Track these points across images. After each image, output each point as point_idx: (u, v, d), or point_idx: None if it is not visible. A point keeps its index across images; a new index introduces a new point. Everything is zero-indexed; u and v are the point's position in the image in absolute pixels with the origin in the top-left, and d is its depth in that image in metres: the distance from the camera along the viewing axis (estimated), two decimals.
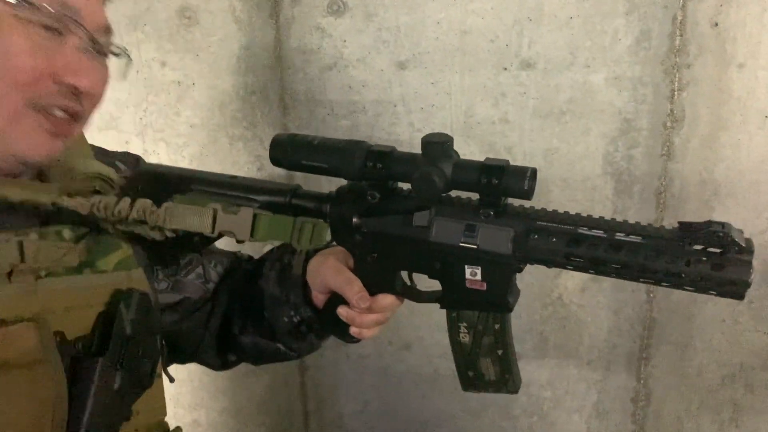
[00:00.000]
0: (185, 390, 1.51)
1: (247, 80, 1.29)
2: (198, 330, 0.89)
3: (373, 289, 0.80)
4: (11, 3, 0.61)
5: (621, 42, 1.13)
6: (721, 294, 0.65)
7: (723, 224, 0.64)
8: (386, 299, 0.80)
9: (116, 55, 0.72)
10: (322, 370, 1.46)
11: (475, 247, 0.72)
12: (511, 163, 0.70)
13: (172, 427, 0.79)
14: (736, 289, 0.64)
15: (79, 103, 0.67)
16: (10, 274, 0.62)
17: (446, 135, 0.72)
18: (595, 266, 0.68)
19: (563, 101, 1.17)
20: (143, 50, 1.28)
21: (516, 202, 0.73)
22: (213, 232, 0.69)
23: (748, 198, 1.15)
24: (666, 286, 0.66)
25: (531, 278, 1.28)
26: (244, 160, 1.32)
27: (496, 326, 0.75)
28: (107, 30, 0.70)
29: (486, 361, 0.77)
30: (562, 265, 0.70)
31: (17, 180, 0.65)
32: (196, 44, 1.27)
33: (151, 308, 0.72)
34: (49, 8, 0.63)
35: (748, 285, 0.63)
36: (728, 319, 1.21)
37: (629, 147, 1.17)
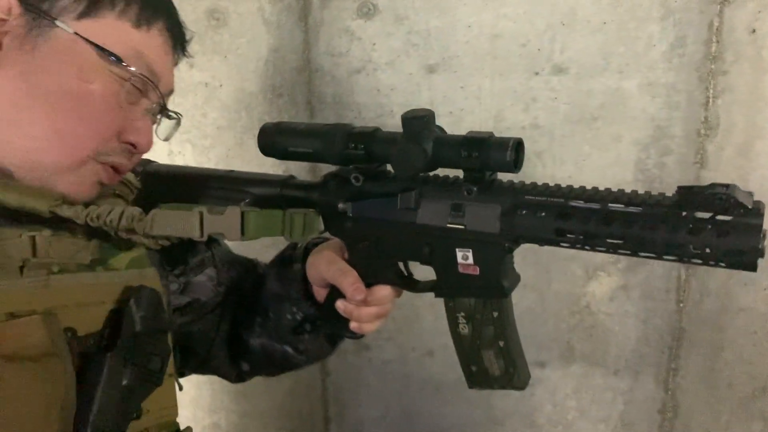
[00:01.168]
0: (205, 393, 1.51)
1: (274, 83, 1.29)
2: (208, 333, 0.88)
3: (368, 280, 0.77)
4: (108, 59, 0.65)
5: (655, 48, 1.11)
6: (732, 265, 0.58)
7: (727, 185, 0.58)
8: (382, 290, 0.78)
9: (171, 118, 0.76)
10: (343, 375, 1.45)
11: (462, 227, 0.69)
12: (541, 169, 0.68)
13: (183, 426, 0.78)
14: (745, 259, 0.57)
15: (130, 160, 0.71)
16: (22, 268, 0.62)
17: (427, 110, 0.69)
18: (589, 241, 0.63)
19: (595, 107, 1.16)
20: None
21: (506, 177, 0.69)
22: (202, 235, 0.67)
23: None
24: (671, 260, 0.61)
25: (558, 286, 1.26)
26: (270, 162, 1.31)
27: (495, 314, 0.72)
28: (171, 93, 0.74)
29: (488, 354, 0.73)
30: (554, 242, 0.65)
31: (16, 185, 0.64)
32: (224, 46, 1.27)
33: (161, 305, 0.72)
34: (139, 71, 0.67)
35: (759, 252, 0.57)
36: (760, 330, 1.19)
37: (662, 154, 1.16)
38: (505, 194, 0.68)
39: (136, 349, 0.68)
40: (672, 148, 1.15)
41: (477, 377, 0.75)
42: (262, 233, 0.70)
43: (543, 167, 1.19)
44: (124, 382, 0.67)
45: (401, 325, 1.37)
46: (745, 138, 1.12)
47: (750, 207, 0.57)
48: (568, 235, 0.64)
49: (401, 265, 0.78)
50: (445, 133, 0.72)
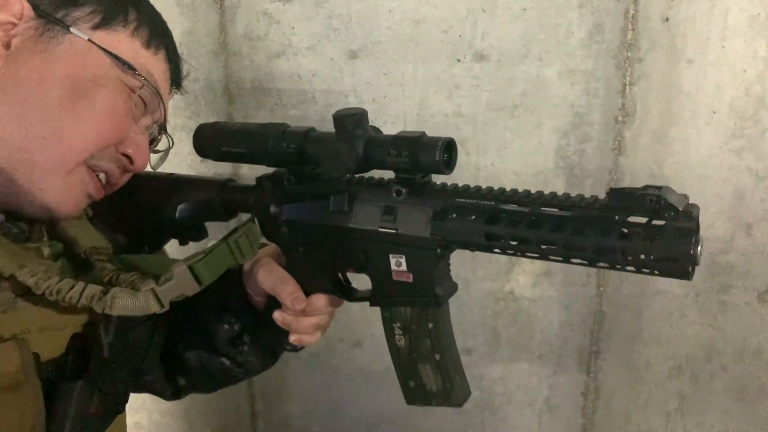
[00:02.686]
0: None
1: (189, 68, 1.23)
2: (141, 344, 0.83)
3: (306, 289, 0.74)
4: (121, 67, 0.65)
5: (574, 35, 1.12)
6: (665, 273, 0.54)
7: (660, 187, 0.54)
8: (319, 300, 0.75)
9: (157, 151, 0.76)
10: (270, 370, 1.41)
11: (394, 231, 0.66)
12: (465, 156, 0.66)
13: None
14: (677, 267, 0.53)
15: (120, 175, 0.70)
16: None
17: (359, 109, 0.66)
18: (520, 247, 0.60)
19: (516, 94, 1.16)
20: None
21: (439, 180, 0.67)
22: (163, 307, 0.65)
23: (696, 193, 1.15)
24: (604, 267, 0.58)
25: (483, 273, 1.26)
26: (187, 151, 1.26)
27: (430, 326, 0.69)
28: (166, 124, 0.75)
29: (425, 369, 0.70)
30: (486, 248, 0.62)
31: None
32: None
33: (128, 332, 0.71)
34: (151, 85, 0.68)
35: (690, 259, 0.52)
36: (676, 312, 1.23)
37: (581, 141, 1.17)
38: (435, 197, 0.65)
39: (104, 377, 0.67)
40: (591, 135, 1.17)
41: (415, 393, 0.72)
42: (218, 273, 0.68)
43: (467, 155, 1.19)
44: (92, 411, 0.65)
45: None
46: (661, 125, 1.14)
47: (680, 209, 0.53)
48: (498, 241, 0.61)
49: (340, 272, 0.75)
50: (380, 132, 0.69)
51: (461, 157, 1.18)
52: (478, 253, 1.24)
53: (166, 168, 0.81)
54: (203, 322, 0.83)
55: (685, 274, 0.53)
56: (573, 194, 0.61)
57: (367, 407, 1.41)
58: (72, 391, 0.64)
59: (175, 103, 1.25)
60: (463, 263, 1.25)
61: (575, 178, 1.19)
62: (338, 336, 1.36)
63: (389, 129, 1.27)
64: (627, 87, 1.14)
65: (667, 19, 1.09)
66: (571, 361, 1.30)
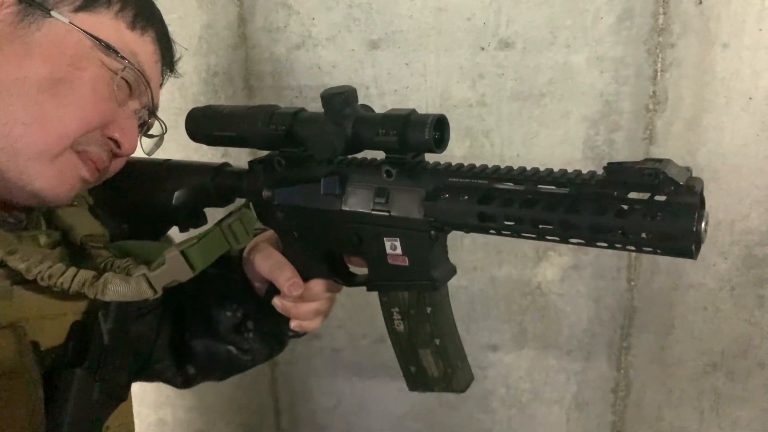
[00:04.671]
0: (149, 388, 1.44)
1: (209, 61, 1.22)
2: (148, 335, 0.83)
3: (304, 274, 0.72)
4: (102, 48, 0.63)
5: (603, 21, 1.08)
6: (666, 252, 0.51)
7: (660, 160, 0.51)
8: (317, 285, 0.74)
9: (152, 136, 0.75)
10: (293, 366, 1.40)
11: (387, 214, 0.64)
12: (490, 147, 0.63)
13: None
14: (679, 244, 0.49)
15: (110, 160, 0.68)
16: None
17: (347, 87, 0.63)
18: (514, 227, 0.57)
19: (543, 83, 1.12)
20: None
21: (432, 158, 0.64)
22: (156, 293, 0.64)
23: (730, 182, 1.11)
24: (603, 247, 0.54)
25: (509, 267, 1.23)
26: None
27: (428, 310, 0.67)
28: (157, 109, 0.74)
29: (426, 354, 0.68)
30: (481, 229, 0.59)
31: None
32: None
33: (127, 318, 0.70)
34: (134, 67, 0.66)
35: (693, 236, 0.49)
36: (710, 306, 1.19)
37: (610, 131, 1.13)
38: (427, 177, 0.62)
39: (105, 364, 0.66)
40: (621, 124, 1.13)
41: (417, 379, 0.70)
42: (211, 259, 0.67)
43: (491, 146, 1.16)
44: (93, 399, 0.65)
45: (351, 312, 1.33)
46: (693, 112, 1.10)
47: (681, 183, 0.49)
48: (492, 221, 0.58)
49: (336, 257, 0.73)
50: (371, 111, 0.66)
51: (486, 148, 1.15)
52: (503, 247, 1.22)
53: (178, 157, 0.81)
54: (206, 310, 0.83)
55: (689, 253, 0.50)
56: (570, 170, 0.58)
57: (392, 404, 1.39)
58: (72, 379, 0.63)
59: (194, 98, 1.24)
60: (488, 256, 1.22)
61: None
62: (362, 332, 1.35)
63: None
64: (658, 73, 1.09)
65: (701, 2, 1.04)
66: (600, 357, 1.26)
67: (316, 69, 1.18)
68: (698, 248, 0.51)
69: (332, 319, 1.36)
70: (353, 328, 1.35)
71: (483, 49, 1.12)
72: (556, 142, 1.15)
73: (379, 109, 1.16)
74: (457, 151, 1.16)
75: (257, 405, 1.45)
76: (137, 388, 1.50)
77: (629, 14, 1.07)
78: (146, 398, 1.46)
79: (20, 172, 0.61)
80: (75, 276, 0.62)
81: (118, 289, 0.62)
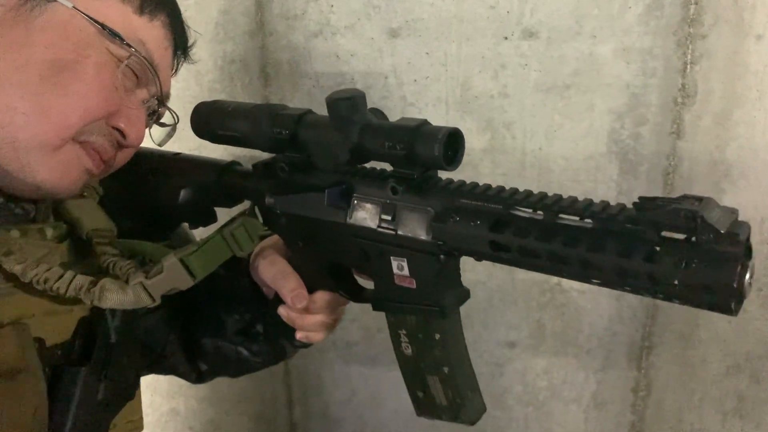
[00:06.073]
0: (162, 378, 1.43)
1: (225, 48, 1.20)
2: (160, 329, 0.81)
3: (309, 285, 0.69)
4: (106, 35, 0.61)
5: (631, 10, 1.04)
6: (700, 305, 0.45)
7: (701, 199, 0.45)
8: (322, 297, 0.70)
9: (164, 125, 0.72)
10: (307, 358, 1.39)
11: (393, 232, 0.59)
12: (511, 140, 0.59)
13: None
14: (717, 299, 0.43)
15: (115, 151, 0.65)
16: None
17: (355, 90, 0.59)
18: (527, 259, 0.52)
19: (567, 74, 1.09)
20: None
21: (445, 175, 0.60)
22: (154, 301, 0.62)
23: (761, 179, 1.08)
24: (628, 291, 0.48)
25: None
26: None
27: (437, 336, 0.62)
28: (168, 97, 0.71)
29: (433, 380, 0.63)
30: (492, 258, 0.54)
31: None
32: None
33: (136, 315, 0.68)
34: (141, 55, 0.63)
35: (733, 292, 0.43)
36: None
37: (637, 124, 1.10)
38: (437, 196, 0.57)
39: (112, 363, 0.65)
40: (648, 118, 1.09)
41: (424, 405, 0.66)
42: (212, 267, 0.65)
43: (513, 139, 1.12)
44: (99, 398, 0.63)
45: (366, 305, 1.30)
46: (724, 106, 1.06)
47: (721, 231, 0.43)
48: (505, 252, 0.53)
49: (343, 270, 0.70)
50: (381, 117, 0.62)
51: (507, 141, 1.12)
52: None
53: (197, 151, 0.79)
54: (215, 312, 0.81)
55: (727, 309, 0.44)
56: (599, 200, 0.52)
57: (405, 399, 1.37)
58: (76, 377, 0.62)
59: (210, 86, 1.22)
60: None
61: (629, 164, 1.12)
62: (376, 326, 1.33)
63: (430, 111, 1.22)
64: (688, 66, 1.06)
65: None
66: (620, 356, 1.23)
67: (334, 57, 1.16)
68: (739, 305, 0.45)
69: (347, 312, 1.33)
70: (368, 321, 1.33)
71: (506, 38, 1.09)
72: (580, 135, 1.11)
73: (397, 99, 1.15)
74: (476, 144, 1.13)
75: (270, 396, 1.44)
76: (150, 378, 1.50)
77: (659, 3, 1.03)
78: (159, 388, 1.45)
79: (22, 164, 0.59)
80: (71, 281, 0.60)
81: (114, 297, 0.60)
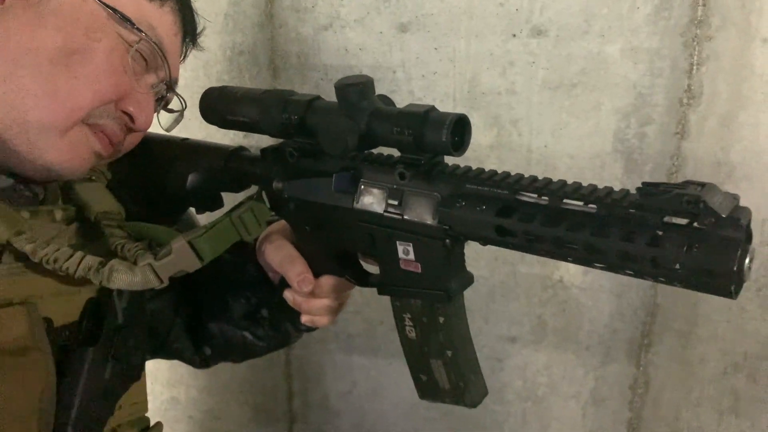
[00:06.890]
0: (163, 366, 1.44)
1: (235, 39, 1.20)
2: (167, 313, 0.82)
3: (315, 269, 0.70)
4: (117, 19, 0.62)
5: (639, 10, 1.05)
6: (701, 288, 0.47)
7: (703, 184, 0.46)
8: (329, 282, 0.71)
9: (172, 112, 0.73)
10: (308, 349, 1.40)
11: (399, 217, 0.60)
12: (517, 137, 0.60)
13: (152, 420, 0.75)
14: (717, 282, 0.45)
15: (124, 135, 0.66)
16: (0, 253, 0.58)
17: (364, 76, 0.60)
18: (532, 244, 0.53)
19: (575, 73, 1.10)
20: None
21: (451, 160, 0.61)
22: (162, 282, 0.62)
23: (764, 182, 1.09)
24: (629, 275, 0.50)
25: (532, 258, 1.21)
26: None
27: (441, 320, 0.63)
28: (176, 83, 0.72)
29: (437, 364, 0.65)
30: (498, 243, 0.55)
31: None
32: None
33: (143, 297, 0.68)
34: (151, 40, 0.64)
35: (733, 276, 0.44)
36: (735, 306, 1.17)
37: (642, 124, 1.11)
38: (444, 181, 0.59)
39: (119, 344, 0.65)
40: (653, 118, 1.10)
41: (426, 388, 0.67)
42: (220, 250, 0.65)
43: (519, 136, 1.13)
44: (105, 379, 0.64)
45: (368, 297, 1.32)
46: (729, 108, 1.07)
47: (723, 215, 0.44)
48: (511, 236, 0.54)
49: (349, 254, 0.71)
50: (388, 104, 0.63)
51: (513, 137, 1.13)
52: None
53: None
54: (221, 296, 0.82)
55: (726, 293, 0.45)
56: (603, 185, 0.53)
57: (406, 391, 1.38)
58: (84, 358, 0.62)
59: (218, 76, 1.22)
60: None
61: (634, 163, 1.13)
62: (378, 318, 1.34)
63: (438, 107, 1.22)
64: (694, 67, 1.07)
65: None
66: (620, 353, 1.25)
67: (343, 51, 1.16)
68: (738, 288, 0.46)
69: (349, 304, 1.35)
70: (370, 314, 1.34)
71: (515, 35, 1.10)
72: (586, 133, 1.12)
73: (405, 94, 1.15)
74: (483, 140, 1.14)
75: (270, 387, 1.45)
76: (150, 366, 1.51)
77: (667, 4, 1.04)
78: (160, 376, 1.46)
79: (31, 145, 0.60)
80: (81, 261, 0.60)
81: (123, 277, 0.61)
